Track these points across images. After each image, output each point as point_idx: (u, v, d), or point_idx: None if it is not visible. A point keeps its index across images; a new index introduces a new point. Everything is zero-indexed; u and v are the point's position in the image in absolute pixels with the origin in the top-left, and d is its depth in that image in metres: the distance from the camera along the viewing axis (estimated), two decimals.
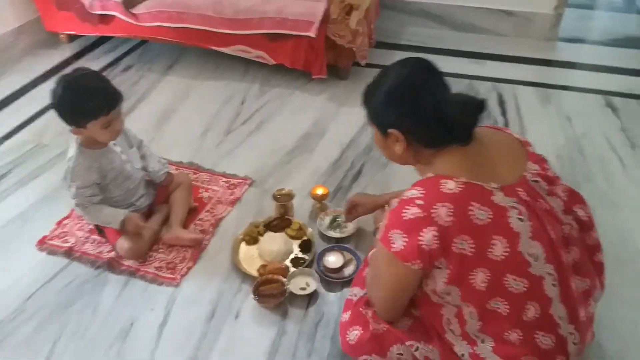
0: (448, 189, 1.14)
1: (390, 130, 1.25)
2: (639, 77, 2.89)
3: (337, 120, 2.58)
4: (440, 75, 1.24)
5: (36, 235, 1.97)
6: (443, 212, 1.12)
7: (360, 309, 1.45)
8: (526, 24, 3.29)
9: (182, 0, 2.84)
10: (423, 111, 1.20)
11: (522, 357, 1.18)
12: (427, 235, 1.12)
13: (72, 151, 1.75)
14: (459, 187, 1.14)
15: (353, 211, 1.87)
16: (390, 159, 1.36)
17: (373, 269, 1.36)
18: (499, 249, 1.13)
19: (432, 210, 1.12)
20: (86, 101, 1.63)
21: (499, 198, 1.15)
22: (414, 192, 1.17)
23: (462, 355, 1.24)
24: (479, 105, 1.19)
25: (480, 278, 1.14)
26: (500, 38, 3.31)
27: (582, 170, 2.16)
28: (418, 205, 1.14)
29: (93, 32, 3.15)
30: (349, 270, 1.77)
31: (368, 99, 1.31)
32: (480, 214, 1.12)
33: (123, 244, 1.81)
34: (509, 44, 3.23)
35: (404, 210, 1.15)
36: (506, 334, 1.18)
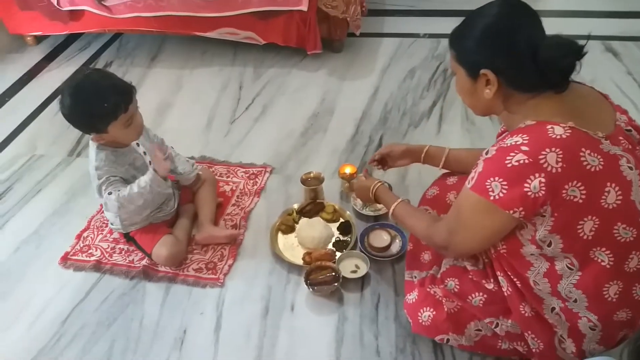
0: (556, 134, 1.07)
1: (483, 71, 1.16)
2: (631, 18, 2.90)
3: (343, 94, 2.50)
4: (537, 15, 1.17)
5: (56, 253, 1.86)
6: (552, 158, 1.05)
7: (428, 289, 1.42)
8: None
9: None
10: (520, 50, 1.12)
11: (617, 312, 1.17)
12: (534, 182, 1.06)
13: (92, 153, 1.65)
14: (567, 133, 1.07)
15: (387, 162, 1.74)
16: (473, 108, 1.28)
17: (459, 217, 1.23)
18: (612, 196, 1.09)
19: (539, 157, 1.06)
20: (100, 103, 1.53)
21: (607, 146, 1.10)
22: (517, 139, 1.09)
23: (553, 308, 1.22)
24: (578, 50, 1.10)
25: (588, 226, 1.10)
26: None
27: None
28: (523, 152, 1.07)
29: (63, 30, 2.96)
30: (395, 247, 1.73)
31: (458, 40, 1.22)
32: (592, 160, 1.07)
33: (161, 251, 1.71)
34: None
35: (507, 158, 1.08)
36: (605, 287, 1.15)
